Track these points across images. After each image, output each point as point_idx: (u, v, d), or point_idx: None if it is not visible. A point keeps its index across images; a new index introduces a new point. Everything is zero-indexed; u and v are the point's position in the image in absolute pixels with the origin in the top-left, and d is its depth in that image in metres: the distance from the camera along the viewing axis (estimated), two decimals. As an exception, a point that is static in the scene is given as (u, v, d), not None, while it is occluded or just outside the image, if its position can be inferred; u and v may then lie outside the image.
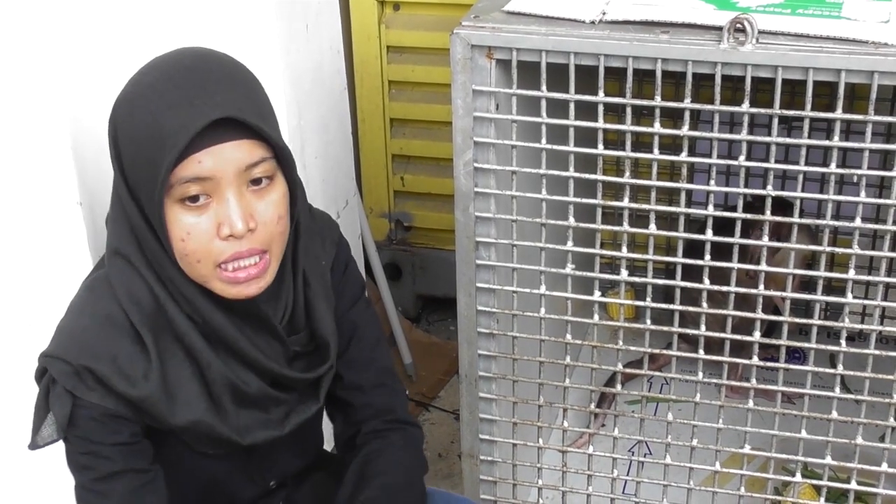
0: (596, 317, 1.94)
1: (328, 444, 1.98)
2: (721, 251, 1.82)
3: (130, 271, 1.59)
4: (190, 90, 1.50)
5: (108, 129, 1.56)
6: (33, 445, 1.62)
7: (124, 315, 1.58)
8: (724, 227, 1.81)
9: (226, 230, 1.53)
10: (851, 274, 1.79)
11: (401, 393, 1.89)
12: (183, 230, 1.53)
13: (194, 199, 1.51)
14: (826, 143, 1.72)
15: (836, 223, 1.78)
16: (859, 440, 1.89)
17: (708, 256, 1.82)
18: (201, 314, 1.60)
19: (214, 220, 1.53)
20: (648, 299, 1.90)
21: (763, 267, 1.81)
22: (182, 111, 1.49)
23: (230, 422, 1.65)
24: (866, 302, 1.85)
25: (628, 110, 1.77)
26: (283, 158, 1.58)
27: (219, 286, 1.58)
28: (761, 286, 1.82)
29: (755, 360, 1.89)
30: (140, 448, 1.65)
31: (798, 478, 1.95)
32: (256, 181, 1.55)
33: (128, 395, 1.57)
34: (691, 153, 1.80)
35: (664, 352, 1.95)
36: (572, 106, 1.79)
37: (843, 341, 1.83)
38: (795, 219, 1.77)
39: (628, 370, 2.01)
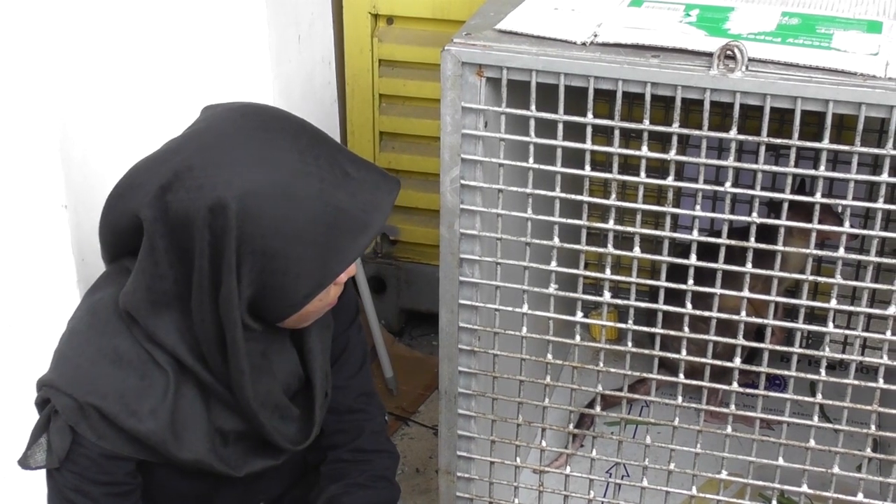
0: (577, 337, 1.94)
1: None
2: (705, 276, 1.82)
3: (144, 334, 1.58)
4: (356, 168, 1.56)
5: (231, 217, 1.48)
6: (24, 465, 1.61)
7: (134, 348, 1.57)
8: (708, 251, 1.81)
9: (344, 277, 1.61)
10: (833, 303, 1.79)
11: (377, 417, 1.91)
12: (323, 293, 1.59)
13: None
14: (812, 172, 1.72)
15: (820, 252, 1.78)
16: (836, 469, 1.89)
17: (691, 281, 1.83)
18: (234, 385, 1.60)
19: None
20: (630, 322, 1.90)
21: (745, 294, 1.81)
22: (368, 194, 1.55)
23: (228, 457, 1.65)
24: (847, 332, 1.86)
25: (616, 133, 1.78)
26: None
27: (311, 320, 1.66)
28: (743, 312, 1.83)
29: (735, 386, 1.89)
30: (128, 490, 1.65)
31: (774, 505, 1.96)
32: None
33: (134, 430, 1.56)
34: (679, 177, 1.80)
35: (646, 375, 1.95)
36: (561, 126, 1.79)
37: (822, 370, 1.83)
38: (780, 246, 1.77)
39: (609, 392, 2.01)
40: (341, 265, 1.55)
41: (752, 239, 1.77)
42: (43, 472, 1.62)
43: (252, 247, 1.49)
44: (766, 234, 1.78)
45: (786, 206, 1.75)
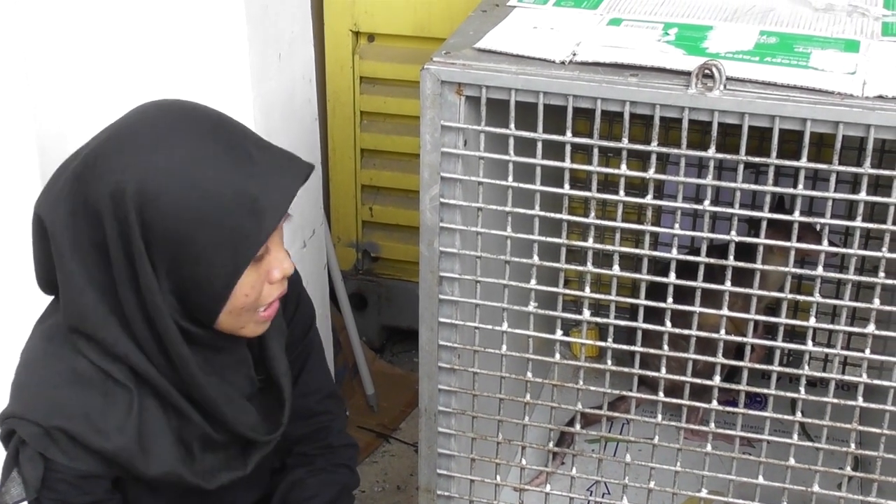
0: (557, 355, 1.94)
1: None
2: (685, 294, 1.83)
3: (95, 348, 1.56)
4: (262, 153, 1.53)
5: (129, 202, 1.47)
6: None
7: (91, 368, 1.56)
8: (689, 269, 1.81)
9: (278, 274, 1.57)
10: (813, 321, 1.79)
11: (341, 416, 1.94)
12: (248, 286, 1.54)
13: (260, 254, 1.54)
14: (791, 190, 1.72)
15: (799, 270, 1.78)
16: (816, 488, 1.89)
17: (671, 299, 1.83)
18: (189, 383, 1.58)
19: (266, 268, 1.56)
20: (610, 340, 1.90)
21: (725, 312, 1.81)
22: (276, 175, 1.51)
23: (196, 468, 1.64)
24: (827, 350, 1.86)
25: (595, 151, 1.78)
26: None
27: (251, 328, 1.61)
28: (722, 330, 1.83)
29: (714, 404, 1.89)
30: None
31: (754, 523, 1.96)
32: None
33: (102, 449, 1.55)
34: (659, 194, 1.80)
35: (626, 393, 1.95)
36: (540, 145, 1.79)
37: (802, 388, 1.84)
38: (758, 265, 1.77)
39: (589, 411, 2.00)
40: (251, 249, 1.50)
41: (731, 257, 1.78)
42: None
43: (157, 233, 1.48)
44: (747, 251, 1.79)
45: (764, 224, 1.75)
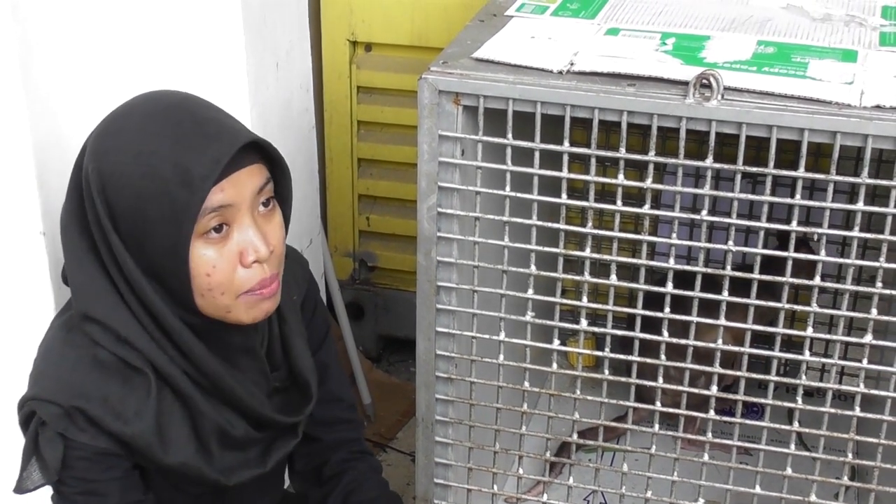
0: (555, 365, 1.93)
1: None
2: (686, 305, 1.82)
3: (109, 335, 1.57)
4: (200, 126, 1.52)
5: (92, 184, 1.53)
6: (21, 489, 1.59)
7: (110, 355, 1.56)
8: (686, 279, 1.81)
9: (251, 256, 1.55)
10: (809, 331, 1.79)
11: (361, 426, 1.97)
12: (208, 265, 1.53)
13: (218, 229, 1.52)
14: (788, 200, 1.72)
15: (796, 280, 1.78)
16: (813, 497, 1.89)
17: (668, 309, 1.83)
18: (189, 356, 1.58)
19: (235, 249, 1.54)
20: (607, 350, 1.90)
21: (722, 322, 1.81)
22: (205, 146, 1.50)
23: (215, 464, 1.64)
24: (824, 360, 1.86)
25: (592, 161, 1.78)
26: (282, 177, 1.62)
27: (242, 312, 1.58)
28: (720, 340, 1.83)
29: (711, 413, 1.89)
30: (134, 481, 1.64)
31: (751, 533, 1.95)
32: (265, 203, 1.57)
33: (120, 433, 1.55)
34: (657, 204, 1.80)
35: (626, 403, 1.95)
36: (537, 155, 1.79)
37: (799, 398, 1.83)
38: (755, 275, 1.77)
39: (587, 421, 2.00)
40: (187, 222, 1.50)
41: (729, 267, 1.78)
42: (40, 492, 1.60)
43: (117, 210, 1.52)
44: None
45: (762, 235, 1.75)
